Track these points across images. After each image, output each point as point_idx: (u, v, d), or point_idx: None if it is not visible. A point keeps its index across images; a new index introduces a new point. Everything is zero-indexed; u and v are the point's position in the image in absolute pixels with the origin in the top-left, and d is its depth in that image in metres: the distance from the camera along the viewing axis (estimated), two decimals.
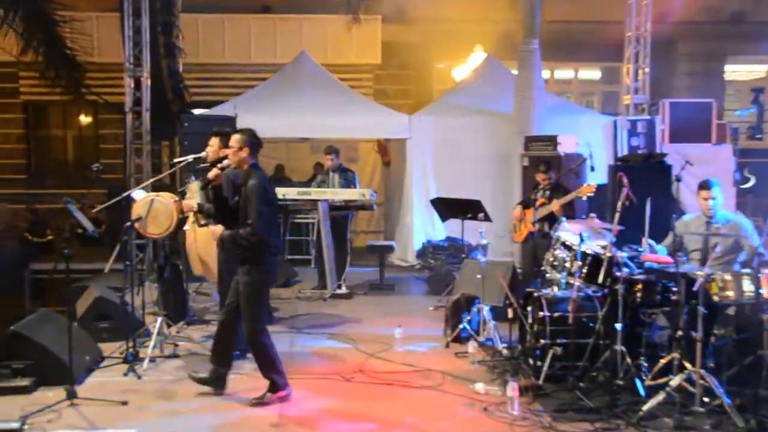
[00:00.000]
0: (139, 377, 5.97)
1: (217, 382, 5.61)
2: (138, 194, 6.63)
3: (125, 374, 6.03)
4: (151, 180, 7.49)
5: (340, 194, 9.29)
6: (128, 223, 6.23)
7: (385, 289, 9.90)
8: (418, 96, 15.89)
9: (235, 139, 5.30)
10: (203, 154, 6.32)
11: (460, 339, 6.91)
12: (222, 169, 5.31)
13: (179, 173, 10.10)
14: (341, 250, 9.53)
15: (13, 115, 16.29)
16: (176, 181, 11.77)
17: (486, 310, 6.87)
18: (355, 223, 10.60)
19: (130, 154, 10.84)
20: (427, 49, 15.59)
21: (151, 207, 6.16)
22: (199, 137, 8.02)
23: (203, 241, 6.55)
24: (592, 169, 7.73)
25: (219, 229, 5.26)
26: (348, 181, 9.60)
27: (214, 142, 6.31)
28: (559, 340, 5.64)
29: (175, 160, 6.94)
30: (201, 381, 5.63)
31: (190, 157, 6.44)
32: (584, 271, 5.80)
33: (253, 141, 5.33)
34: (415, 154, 11.83)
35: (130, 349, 6.26)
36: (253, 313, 5.21)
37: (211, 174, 5.32)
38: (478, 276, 7.10)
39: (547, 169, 7.61)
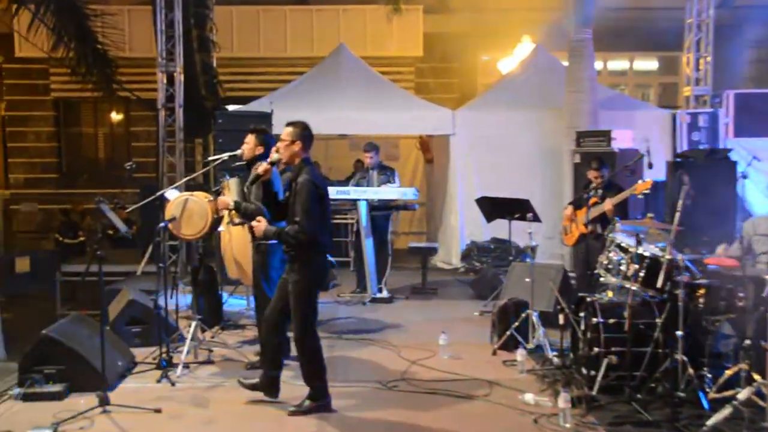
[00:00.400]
0: (173, 384, 5.98)
1: (269, 388, 5.56)
2: (171, 194, 6.59)
3: (158, 381, 6.05)
4: (185, 179, 7.59)
5: (380, 193, 9.26)
6: (161, 224, 6.22)
7: (427, 293, 9.85)
8: (462, 90, 15.88)
9: (287, 132, 5.27)
10: (239, 152, 6.29)
11: (508, 346, 6.84)
12: (272, 163, 5.28)
13: (213, 172, 10.26)
14: (382, 252, 9.52)
15: (44, 113, 16.67)
16: (210, 180, 11.91)
17: (535, 316, 6.79)
18: (396, 223, 10.57)
19: (163, 152, 10.96)
20: (471, 40, 15.49)
21: (185, 207, 6.14)
22: (233, 134, 8.07)
23: (238, 243, 6.58)
24: (650, 166, 7.61)
25: (262, 224, 5.24)
26: (388, 180, 9.54)
27: (250, 139, 6.29)
28: (614, 349, 5.53)
29: (210, 159, 6.94)
30: (252, 387, 5.60)
31: (225, 155, 6.43)
32: (641, 274, 5.68)
33: (306, 134, 5.29)
34: (460, 150, 11.78)
35: (164, 355, 6.28)
36: (303, 313, 5.17)
37: (261, 168, 5.26)
38: (527, 280, 7.02)
39: (599, 167, 7.48)
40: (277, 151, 5.31)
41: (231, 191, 6.25)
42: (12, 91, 16.73)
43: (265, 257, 6.12)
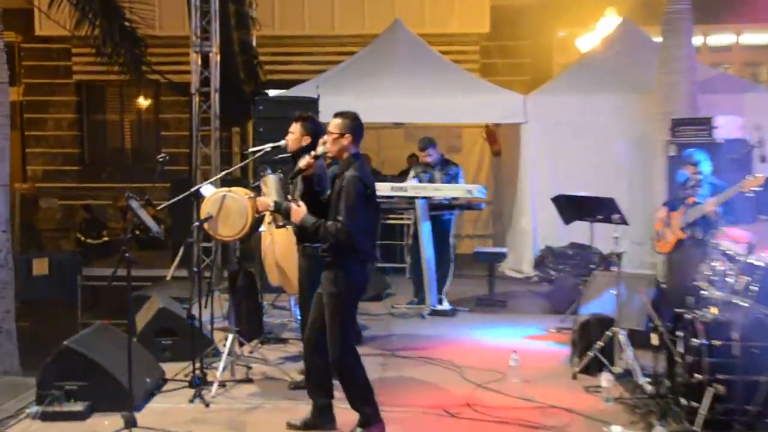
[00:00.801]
0: (207, 405, 5.99)
1: (323, 420, 5.52)
2: (207, 189, 6.63)
3: (191, 401, 6.07)
4: (222, 173, 7.55)
5: (441, 190, 9.25)
6: (196, 223, 6.25)
7: (495, 305, 9.84)
8: (536, 71, 15.76)
9: (335, 124, 5.30)
10: (282, 142, 6.32)
11: (591, 370, 6.75)
12: (316, 157, 5.29)
13: (253, 165, 10.25)
14: (443, 258, 9.48)
15: (65, 98, 17.06)
16: (248, 174, 12.21)
17: (623, 335, 6.67)
18: (459, 225, 10.63)
19: (197, 142, 11.00)
20: (546, 13, 15.39)
21: (222, 204, 6.13)
22: (275, 123, 8.10)
23: (282, 246, 6.59)
24: (763, 159, 7.47)
25: (301, 210, 5.27)
26: (450, 176, 9.54)
27: (296, 128, 6.31)
28: (720, 376, 5.36)
29: (250, 150, 6.99)
30: (305, 427, 5.52)
31: (267, 147, 6.44)
32: (754, 288, 5.52)
33: (357, 126, 5.33)
34: (533, 141, 11.70)
35: (197, 372, 6.30)
36: (340, 330, 5.16)
37: (303, 162, 5.25)
38: (613, 292, 6.91)
39: (697, 161, 7.29)
40: (324, 144, 5.35)
41: (269, 189, 6.26)
42: (30, 74, 17.08)
43: (312, 262, 6.08)
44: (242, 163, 8.32)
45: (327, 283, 5.22)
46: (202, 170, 10.94)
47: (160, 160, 6.00)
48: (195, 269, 6.71)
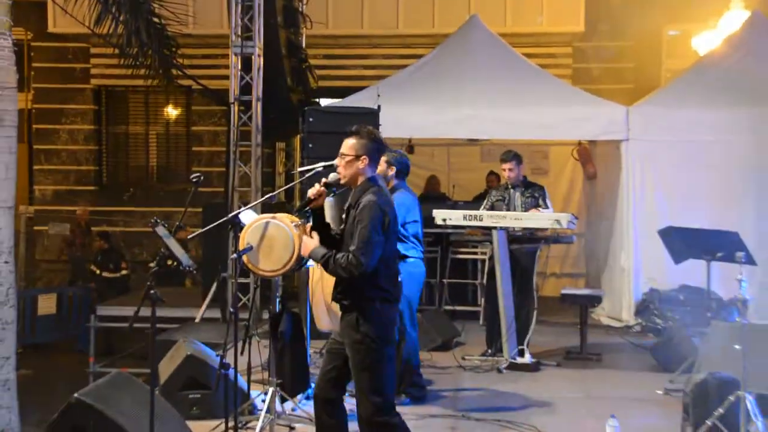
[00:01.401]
0: None
1: None
2: (247, 216, 6.66)
3: None
4: (265, 197, 7.72)
5: (524, 219, 9.12)
6: (233, 255, 6.16)
7: (588, 359, 9.70)
8: (640, 78, 15.64)
9: (349, 145, 5.36)
10: (336, 161, 6.06)
11: None
12: (328, 186, 5.36)
13: (299, 187, 10.39)
14: (524, 301, 9.38)
15: (83, 106, 17.30)
16: (294, 198, 12.27)
17: (751, 401, 6.48)
18: (544, 261, 10.22)
19: (234, 159, 11.03)
20: (653, 8, 15.29)
21: (265, 233, 6.02)
22: (328, 138, 8.15)
23: (333, 283, 6.29)
24: None
25: (312, 241, 5.33)
26: (535, 201, 9.46)
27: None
28: None
29: (298, 170, 7.10)
30: None
31: (318, 166, 6.39)
32: None
33: (374, 147, 5.40)
34: (636, 162, 11.57)
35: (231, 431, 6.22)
36: (371, 384, 5.17)
37: (313, 191, 5.33)
38: (736, 347, 6.66)
39: None
40: (337, 170, 5.40)
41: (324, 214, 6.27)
42: (42, 77, 17.36)
43: None
44: (288, 185, 8.29)
45: (347, 329, 5.25)
46: (240, 192, 10.95)
47: (194, 180, 6.00)
48: (231, 310, 6.42)
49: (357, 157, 5.31)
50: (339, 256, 5.16)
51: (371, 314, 5.19)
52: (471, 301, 12.20)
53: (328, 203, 6.13)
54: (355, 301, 5.21)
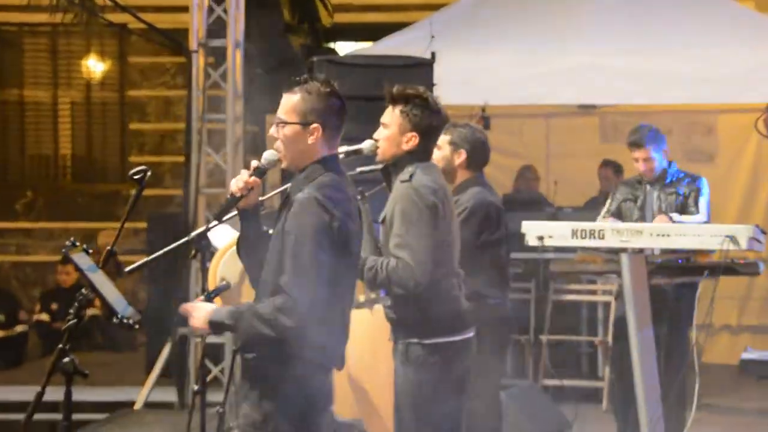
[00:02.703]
0: None
1: None
2: (221, 235, 6.49)
3: None
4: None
5: (673, 236, 7.90)
6: (201, 297, 5.44)
7: None
8: None
9: (289, 103, 4.90)
10: (366, 145, 5.88)
11: None
12: (259, 172, 5.00)
13: None
14: (675, 368, 8.35)
15: None
16: None
17: None
18: (707, 305, 8.48)
19: (200, 143, 10.17)
20: None
21: None
22: (351, 105, 7.47)
23: (360, 344, 6.06)
24: None
25: (206, 310, 4.85)
26: (682, 202, 8.49)
27: (391, 117, 5.84)
28: None
29: None
30: None
31: (337, 152, 5.73)
32: None
33: (330, 107, 4.89)
34: None
35: None
36: None
37: (238, 183, 5.00)
38: None
39: None
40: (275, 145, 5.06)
41: None
42: None
43: (415, 371, 5.58)
44: (288, 185, 7.33)
45: (250, 408, 4.86)
46: (209, 197, 10.26)
47: (135, 178, 5.23)
48: (194, 388, 5.77)
49: (304, 125, 4.79)
50: (262, 307, 4.58)
51: (295, 386, 4.75)
52: (587, 372, 11.20)
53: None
54: (272, 367, 4.76)
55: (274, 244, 4.77)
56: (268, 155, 4.93)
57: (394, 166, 5.74)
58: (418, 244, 5.30)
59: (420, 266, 5.29)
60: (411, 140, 5.69)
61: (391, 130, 5.75)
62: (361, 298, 6.22)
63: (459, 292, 5.61)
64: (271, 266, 4.73)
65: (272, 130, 4.92)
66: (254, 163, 4.91)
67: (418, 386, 5.59)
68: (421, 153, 5.63)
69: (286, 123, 4.81)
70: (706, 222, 8.30)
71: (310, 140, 4.76)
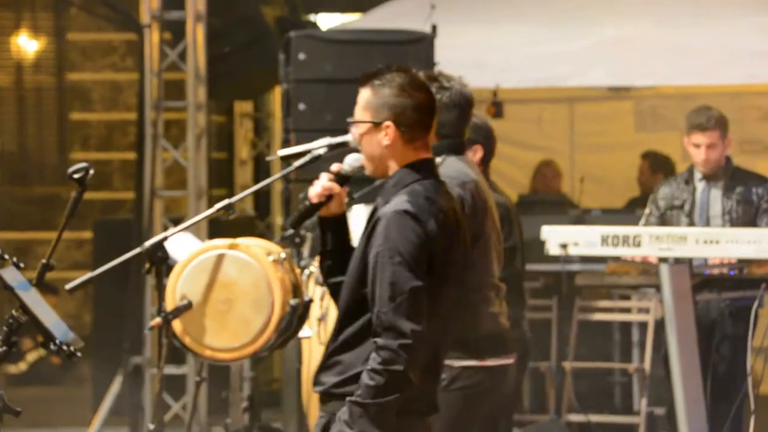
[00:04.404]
0: None
1: None
2: (180, 244, 6.49)
3: None
4: (218, 206, 6.62)
5: (726, 243, 7.92)
6: (157, 319, 5.76)
7: None
8: None
9: (365, 101, 5.00)
10: (351, 137, 5.67)
11: None
12: (341, 178, 5.11)
13: (281, 185, 10.01)
14: (726, 398, 8.39)
15: None
16: (273, 207, 11.79)
17: None
18: (763, 322, 8.77)
19: (155, 137, 10.11)
20: None
21: (216, 278, 6.09)
22: (337, 91, 8.12)
23: None
24: None
25: None
26: (752, 208, 8.49)
27: None
28: None
29: (282, 152, 6.56)
30: None
31: (318, 146, 5.99)
32: None
33: (417, 105, 4.89)
34: None
35: None
36: None
37: (317, 190, 5.13)
38: None
39: None
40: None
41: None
42: None
43: (459, 404, 5.97)
44: (261, 184, 7.55)
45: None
46: (167, 200, 10.17)
47: (75, 177, 5.40)
48: (152, 427, 6.13)
49: (378, 126, 4.79)
50: (372, 371, 4.61)
51: None
52: (621, 405, 11.16)
53: (357, 213, 6.26)
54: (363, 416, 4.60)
55: (354, 269, 4.92)
56: (351, 160, 5.04)
57: None
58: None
59: None
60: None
61: None
62: None
63: (498, 308, 5.74)
64: (351, 292, 4.92)
65: (354, 131, 5.10)
66: (335, 167, 4.97)
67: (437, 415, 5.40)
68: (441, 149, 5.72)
69: (355, 122, 4.94)
70: None
71: (386, 141, 4.82)
